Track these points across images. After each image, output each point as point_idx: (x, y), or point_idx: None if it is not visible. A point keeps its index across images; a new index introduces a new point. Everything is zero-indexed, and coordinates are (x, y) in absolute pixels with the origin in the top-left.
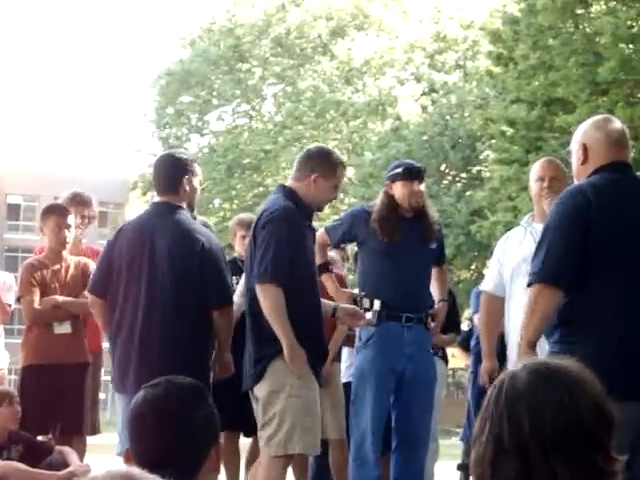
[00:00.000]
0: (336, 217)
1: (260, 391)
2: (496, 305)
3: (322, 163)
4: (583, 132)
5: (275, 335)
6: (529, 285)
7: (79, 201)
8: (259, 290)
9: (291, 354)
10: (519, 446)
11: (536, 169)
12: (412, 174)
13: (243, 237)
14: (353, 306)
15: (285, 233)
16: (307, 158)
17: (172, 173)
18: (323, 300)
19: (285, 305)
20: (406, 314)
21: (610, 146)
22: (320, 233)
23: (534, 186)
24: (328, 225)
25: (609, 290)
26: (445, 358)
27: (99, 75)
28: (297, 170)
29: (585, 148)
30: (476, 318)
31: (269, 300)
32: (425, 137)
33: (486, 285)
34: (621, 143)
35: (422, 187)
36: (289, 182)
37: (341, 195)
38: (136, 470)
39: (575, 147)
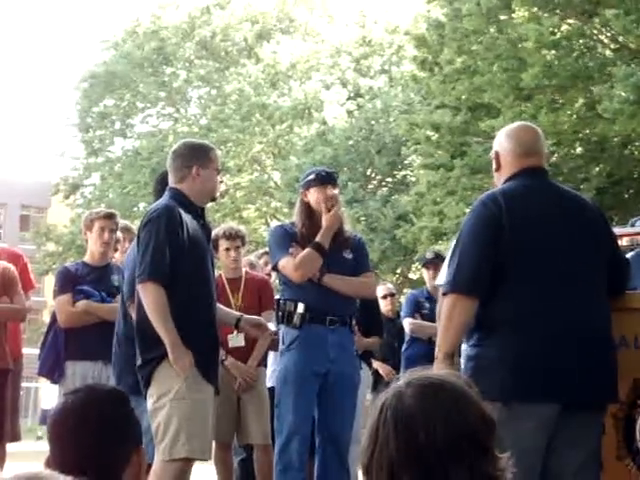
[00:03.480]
0: (262, 220)
1: (149, 396)
2: None
3: (195, 154)
4: (497, 140)
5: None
6: (444, 294)
7: None
8: (140, 289)
9: (174, 354)
10: (414, 459)
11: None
12: (325, 179)
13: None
14: (257, 317)
15: (163, 231)
16: (179, 157)
17: None
18: (228, 310)
19: (167, 304)
20: (330, 317)
21: (519, 154)
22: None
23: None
24: (282, 257)
25: (522, 294)
26: (369, 361)
27: (21, 76)
28: (174, 173)
29: (497, 156)
30: (407, 322)
31: (149, 298)
32: (351, 142)
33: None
34: (531, 150)
35: (336, 192)
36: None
37: (267, 198)
38: (45, 472)
39: (492, 154)
